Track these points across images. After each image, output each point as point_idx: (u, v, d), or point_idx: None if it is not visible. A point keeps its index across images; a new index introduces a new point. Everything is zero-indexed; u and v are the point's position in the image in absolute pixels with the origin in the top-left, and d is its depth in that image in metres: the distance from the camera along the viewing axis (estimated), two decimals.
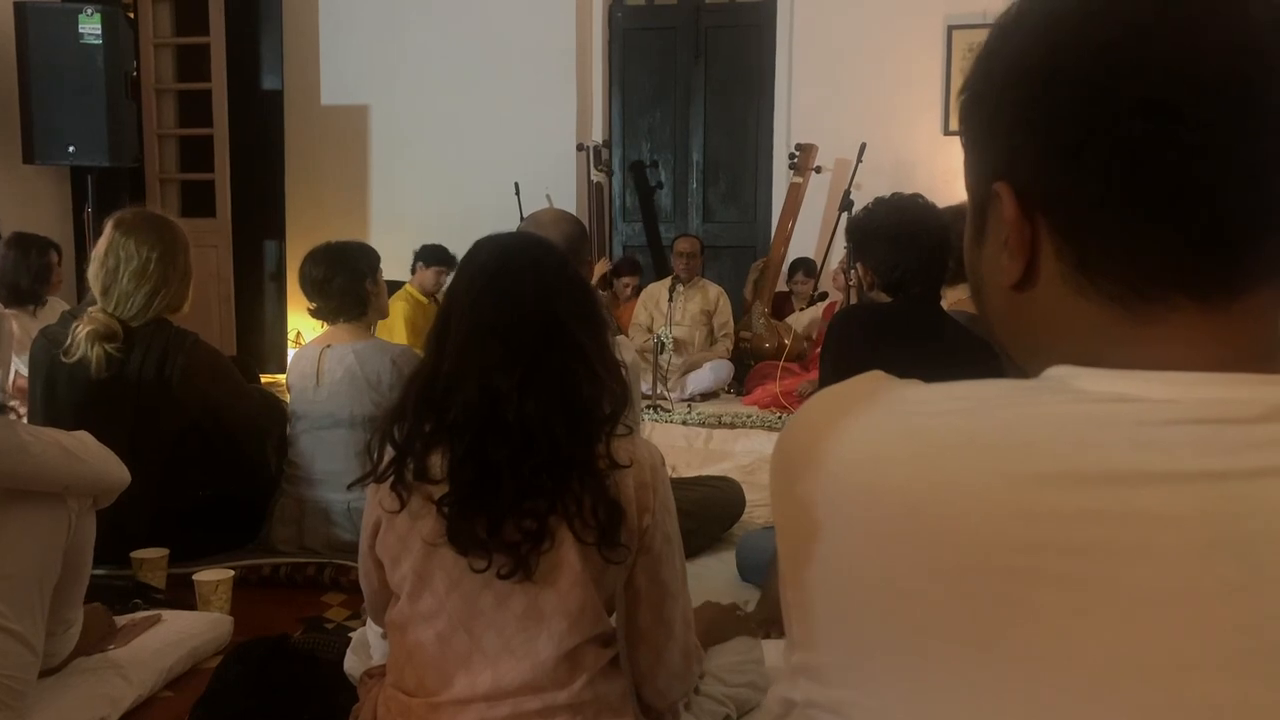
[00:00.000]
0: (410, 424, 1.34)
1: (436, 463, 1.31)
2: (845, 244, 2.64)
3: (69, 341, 2.55)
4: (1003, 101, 0.54)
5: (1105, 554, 0.45)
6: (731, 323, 5.59)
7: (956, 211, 2.35)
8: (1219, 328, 0.51)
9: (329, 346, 2.80)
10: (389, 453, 1.34)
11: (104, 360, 2.55)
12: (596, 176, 5.92)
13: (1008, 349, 0.61)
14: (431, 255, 5.39)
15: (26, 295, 3.87)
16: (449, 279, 5.28)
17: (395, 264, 4.13)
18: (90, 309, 2.58)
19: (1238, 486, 0.45)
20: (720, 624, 1.85)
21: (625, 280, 5.83)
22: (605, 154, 5.98)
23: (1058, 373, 0.53)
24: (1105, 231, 0.51)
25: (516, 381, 1.28)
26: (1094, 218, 0.51)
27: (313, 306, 2.83)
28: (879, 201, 2.25)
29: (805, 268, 5.78)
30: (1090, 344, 0.53)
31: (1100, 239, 0.52)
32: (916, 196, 2.23)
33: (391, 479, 1.32)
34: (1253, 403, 0.48)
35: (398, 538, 1.34)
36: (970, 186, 0.60)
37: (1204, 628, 0.44)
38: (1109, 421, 0.48)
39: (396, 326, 4.95)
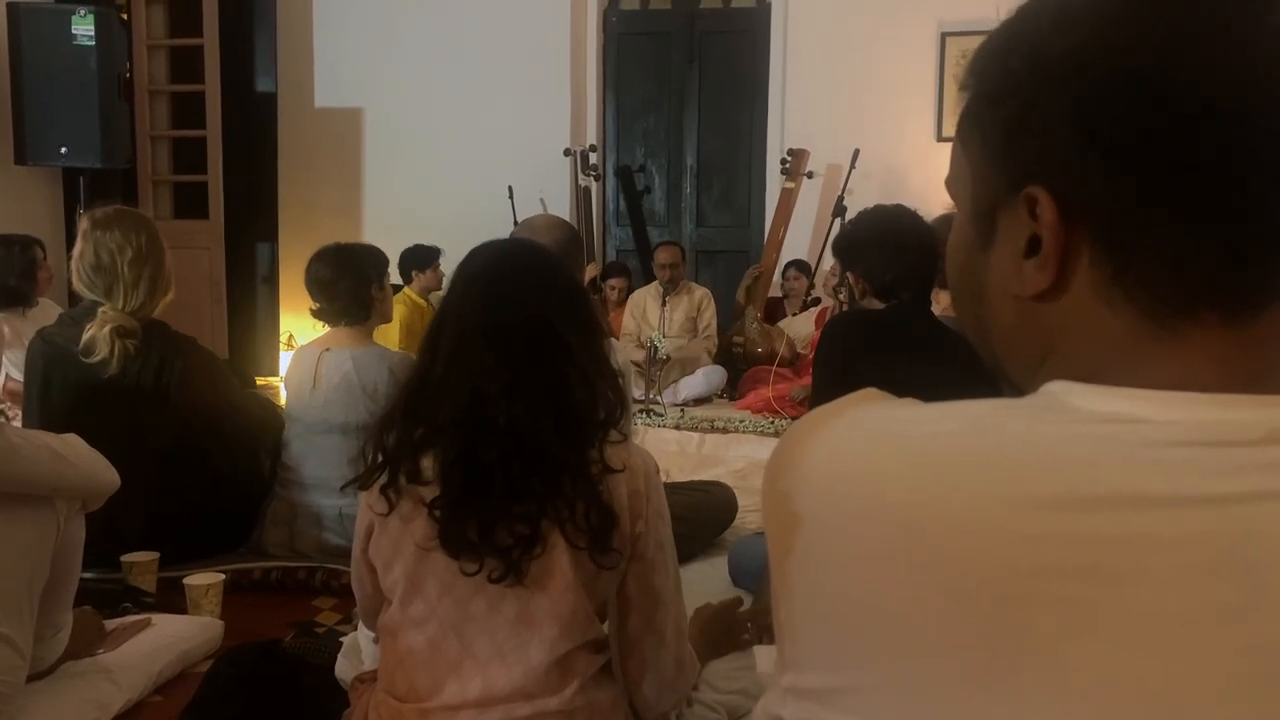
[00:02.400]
0: (399, 430, 1.33)
1: (428, 466, 1.31)
2: (834, 260, 2.69)
3: (85, 343, 2.54)
4: (1035, 100, 0.51)
5: (1104, 578, 0.44)
6: (715, 324, 5.56)
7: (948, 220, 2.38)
8: (1236, 344, 0.50)
9: (327, 350, 2.78)
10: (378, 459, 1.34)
11: (123, 357, 2.55)
12: (584, 181, 5.93)
13: (1003, 360, 0.59)
14: (422, 259, 5.40)
15: (15, 296, 3.85)
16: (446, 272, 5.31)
17: (391, 267, 4.14)
18: (101, 310, 2.57)
19: (1237, 510, 0.45)
20: (716, 625, 1.83)
21: (612, 283, 5.82)
22: (593, 159, 5.99)
23: (1054, 388, 0.51)
24: (1151, 240, 0.49)
25: (505, 385, 1.29)
26: (1142, 226, 0.49)
27: (315, 307, 2.82)
28: (863, 213, 2.33)
29: (798, 264, 5.80)
30: (1102, 358, 0.51)
31: (1145, 248, 0.50)
32: (899, 206, 2.29)
33: (382, 482, 1.32)
34: (1254, 425, 0.47)
35: (390, 542, 1.34)
36: (974, 187, 0.57)
37: (1204, 652, 0.44)
38: (1108, 443, 0.47)
39: (392, 330, 4.94)
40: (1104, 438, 0.47)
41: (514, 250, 1.45)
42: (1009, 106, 0.53)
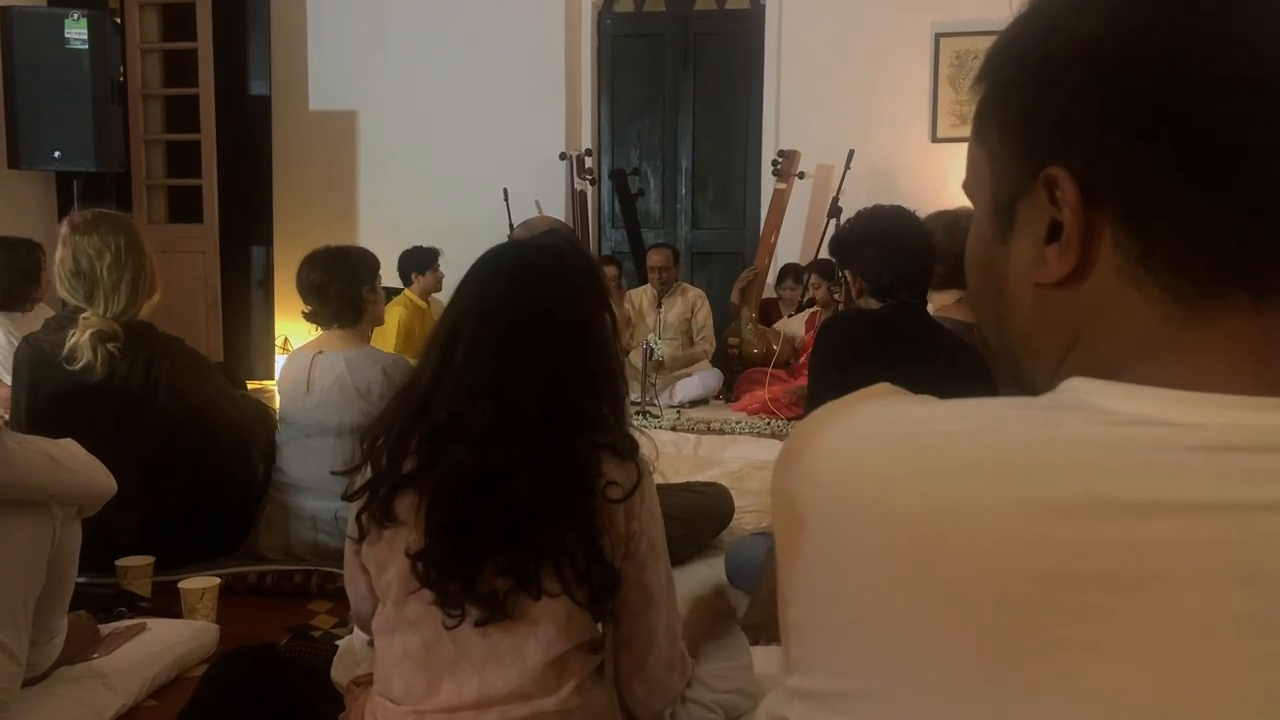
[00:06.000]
0: (386, 459, 1.30)
1: (406, 506, 1.29)
2: (831, 259, 2.70)
3: (68, 350, 2.52)
4: (1052, 82, 0.51)
5: (1119, 585, 0.44)
6: (710, 325, 5.55)
7: (952, 218, 2.39)
8: (1265, 329, 0.49)
9: (320, 353, 2.78)
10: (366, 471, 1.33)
11: (107, 361, 2.53)
12: (580, 185, 5.92)
13: (1022, 359, 0.58)
14: (421, 261, 5.38)
15: (17, 297, 3.83)
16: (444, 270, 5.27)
17: (385, 270, 4.14)
18: (82, 316, 2.55)
19: (1256, 518, 0.44)
20: (712, 621, 1.82)
21: (604, 270, 5.79)
22: (588, 162, 5.97)
23: (1075, 385, 0.50)
24: (1175, 217, 0.49)
25: (514, 461, 1.25)
26: (1166, 205, 0.49)
27: (307, 310, 2.81)
28: (860, 212, 2.33)
29: (794, 274, 5.78)
30: (1126, 349, 0.51)
31: (1169, 226, 0.49)
32: (897, 206, 2.30)
33: (359, 505, 1.32)
34: (1277, 430, 0.46)
35: (384, 543, 1.33)
36: (993, 181, 0.56)
37: (1217, 662, 0.43)
38: (1128, 446, 0.46)
39: (389, 333, 4.93)
40: (1123, 441, 0.46)
41: (533, 290, 1.34)
42: (1026, 93, 0.53)
